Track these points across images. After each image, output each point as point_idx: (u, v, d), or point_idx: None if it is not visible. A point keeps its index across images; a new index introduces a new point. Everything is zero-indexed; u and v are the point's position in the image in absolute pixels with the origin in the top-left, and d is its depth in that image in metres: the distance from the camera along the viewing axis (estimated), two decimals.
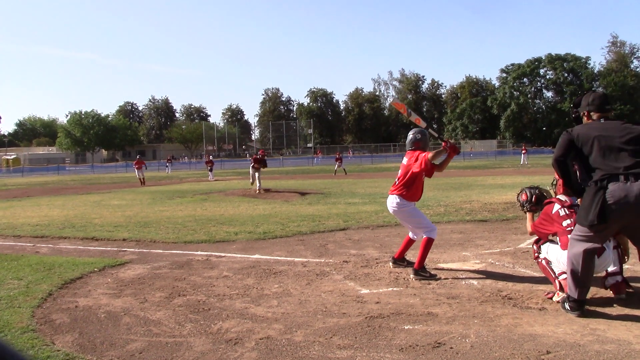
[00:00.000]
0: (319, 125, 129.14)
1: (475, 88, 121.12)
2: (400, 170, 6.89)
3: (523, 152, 49.65)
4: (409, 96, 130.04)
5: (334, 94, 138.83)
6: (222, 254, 8.32)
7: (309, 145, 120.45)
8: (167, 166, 58.33)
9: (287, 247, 8.78)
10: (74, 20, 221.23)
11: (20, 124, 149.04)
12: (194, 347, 4.36)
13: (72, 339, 4.63)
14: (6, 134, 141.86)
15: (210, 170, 37.33)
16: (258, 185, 20.47)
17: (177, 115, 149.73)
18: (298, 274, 6.86)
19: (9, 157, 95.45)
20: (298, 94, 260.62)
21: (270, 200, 16.95)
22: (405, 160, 6.91)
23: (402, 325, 4.72)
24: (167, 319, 5.15)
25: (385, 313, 5.08)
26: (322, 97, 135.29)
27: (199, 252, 8.48)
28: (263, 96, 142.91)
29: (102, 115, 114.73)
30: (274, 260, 7.78)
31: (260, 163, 21.70)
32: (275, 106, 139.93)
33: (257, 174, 21.03)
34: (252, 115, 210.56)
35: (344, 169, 38.35)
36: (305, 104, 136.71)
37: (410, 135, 7.15)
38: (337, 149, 68.21)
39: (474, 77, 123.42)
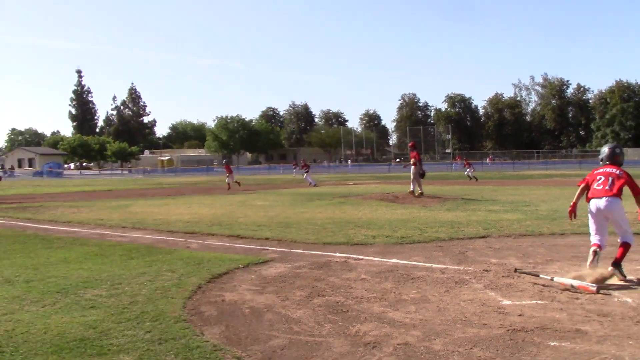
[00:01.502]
0: (457, 131, 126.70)
1: (626, 93, 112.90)
2: (603, 177, 6.89)
3: None
4: (553, 101, 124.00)
5: (473, 99, 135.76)
6: (360, 257, 8.39)
7: (447, 150, 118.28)
8: (294, 169, 60.05)
9: (425, 253, 8.68)
10: (223, 30, 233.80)
11: (173, 128, 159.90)
12: (332, 348, 4.43)
13: (219, 331, 4.88)
14: (161, 137, 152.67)
15: (307, 172, 34.81)
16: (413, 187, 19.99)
17: (316, 119, 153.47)
18: (436, 281, 6.76)
19: (163, 158, 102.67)
20: (435, 100, 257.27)
21: (407, 205, 16.84)
22: (609, 169, 6.94)
23: (547, 341, 4.49)
24: (307, 318, 5.28)
25: (528, 327, 4.87)
26: (460, 103, 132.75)
27: (337, 254, 8.61)
28: (400, 101, 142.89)
29: (246, 120, 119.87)
30: (411, 265, 7.72)
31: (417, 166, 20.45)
32: (412, 111, 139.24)
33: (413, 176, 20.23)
34: (389, 120, 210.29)
35: (475, 177, 37.13)
36: (443, 109, 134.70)
37: (606, 150, 7.12)
38: (463, 155, 66.46)
39: (624, 81, 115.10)
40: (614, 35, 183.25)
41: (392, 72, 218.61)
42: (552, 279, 6.45)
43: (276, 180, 44.09)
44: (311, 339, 4.67)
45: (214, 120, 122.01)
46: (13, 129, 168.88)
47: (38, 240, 10.46)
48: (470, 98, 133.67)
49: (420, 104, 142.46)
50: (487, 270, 7.28)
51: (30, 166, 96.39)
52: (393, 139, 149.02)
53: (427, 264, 7.81)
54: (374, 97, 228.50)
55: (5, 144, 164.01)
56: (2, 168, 77.79)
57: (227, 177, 32.14)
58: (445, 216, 13.81)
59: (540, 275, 6.65)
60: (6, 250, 9.24)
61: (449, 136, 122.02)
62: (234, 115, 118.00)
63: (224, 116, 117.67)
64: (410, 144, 22.12)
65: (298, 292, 6.30)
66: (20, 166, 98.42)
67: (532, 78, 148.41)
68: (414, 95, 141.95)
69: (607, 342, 4.46)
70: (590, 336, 4.60)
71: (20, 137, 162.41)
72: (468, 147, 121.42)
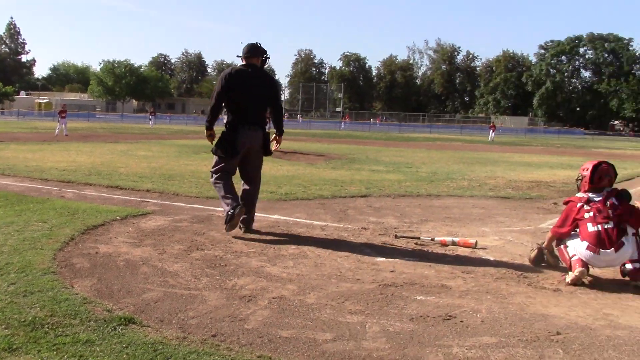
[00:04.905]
0: (350, 90, 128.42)
1: (511, 63, 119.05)
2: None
3: (492, 128, 49.99)
4: (443, 67, 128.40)
5: (367, 60, 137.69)
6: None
7: (338, 109, 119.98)
8: (150, 119, 54.40)
9: (307, 210, 8.82)
10: None
11: (54, 69, 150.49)
12: (208, 301, 4.43)
13: (90, 284, 4.73)
14: (40, 77, 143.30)
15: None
16: None
17: (209, 70, 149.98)
18: (316, 237, 6.90)
19: (41, 101, 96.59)
20: (331, 57, 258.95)
21: (294, 162, 16.99)
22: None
23: (414, 296, 4.74)
24: (184, 271, 5.24)
25: (398, 282, 5.10)
26: (355, 62, 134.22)
27: (220, 208, 8.53)
28: (296, 57, 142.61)
29: (135, 65, 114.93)
30: (293, 222, 7.83)
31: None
32: (307, 68, 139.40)
33: None
34: (283, 75, 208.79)
35: None
36: (338, 67, 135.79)
37: None
38: (366, 115, 68.16)
39: (511, 51, 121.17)
40: (505, 6, 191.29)
41: (289, 26, 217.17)
42: (433, 239, 6.79)
43: (162, 129, 42.89)
44: (186, 292, 4.64)
45: (100, 63, 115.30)
46: None
47: None
48: (365, 58, 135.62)
49: (316, 61, 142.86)
50: (365, 229, 7.52)
51: None
52: (285, 95, 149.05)
53: (308, 221, 7.94)
54: (269, 51, 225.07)
55: None
56: None
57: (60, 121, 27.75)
58: (330, 174, 14.07)
59: (422, 237, 6.94)
60: None
61: (340, 95, 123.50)
62: (122, 59, 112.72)
63: (110, 60, 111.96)
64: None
65: (177, 245, 6.22)
66: None
67: (426, 42, 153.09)
68: (310, 51, 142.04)
69: (468, 296, 4.77)
70: (454, 291, 4.90)
71: None
72: (358, 107, 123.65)
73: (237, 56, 7.13)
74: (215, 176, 6.92)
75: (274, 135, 7.22)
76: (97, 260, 5.49)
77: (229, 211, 6.58)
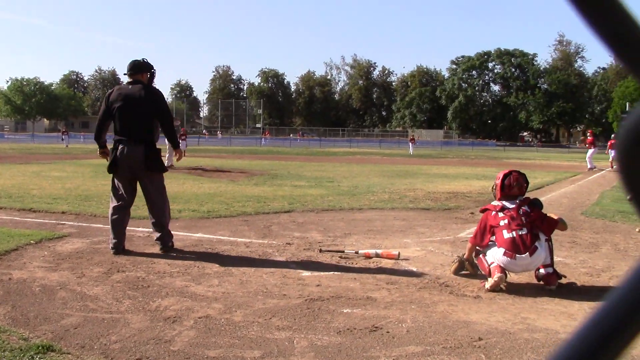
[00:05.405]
0: (269, 106, 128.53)
1: (425, 78, 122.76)
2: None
3: (411, 141, 51.65)
4: (360, 82, 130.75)
5: (286, 75, 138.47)
6: None
7: (258, 125, 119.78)
8: (62, 139, 49.34)
9: (230, 227, 8.74)
10: None
11: None
12: (131, 324, 4.31)
13: (4, 312, 4.50)
14: None
15: None
16: None
17: None
18: (240, 254, 6.86)
19: None
20: (249, 74, 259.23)
21: (216, 179, 16.80)
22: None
23: (341, 309, 4.78)
24: (104, 294, 5.07)
25: (325, 296, 5.13)
26: (273, 78, 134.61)
27: (140, 229, 8.33)
28: (214, 73, 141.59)
29: (45, 83, 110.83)
30: (216, 240, 7.74)
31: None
32: (225, 84, 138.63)
33: None
34: (201, 92, 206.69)
35: None
36: (256, 83, 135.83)
37: None
38: (286, 131, 68.29)
39: (424, 66, 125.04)
40: (418, 23, 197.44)
41: (207, 42, 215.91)
42: (356, 252, 6.87)
43: (77, 149, 41.48)
44: (108, 315, 4.50)
45: (7, 81, 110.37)
46: None
47: None
48: (283, 74, 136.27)
49: (234, 77, 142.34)
50: (289, 244, 7.53)
51: None
52: (204, 111, 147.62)
53: (232, 238, 7.87)
54: (187, 68, 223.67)
55: None
56: None
57: None
58: (253, 191, 14.01)
59: (346, 251, 7.01)
60: None
61: (260, 111, 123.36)
62: (31, 77, 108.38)
63: (19, 78, 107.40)
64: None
65: (96, 268, 6.02)
66: None
67: (343, 58, 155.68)
68: (229, 67, 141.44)
69: (393, 307, 4.86)
70: (379, 302, 4.98)
71: None
72: (278, 123, 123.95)
73: (124, 74, 7.17)
74: (111, 206, 7.10)
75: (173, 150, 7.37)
76: (10, 286, 5.23)
77: (110, 247, 6.79)
